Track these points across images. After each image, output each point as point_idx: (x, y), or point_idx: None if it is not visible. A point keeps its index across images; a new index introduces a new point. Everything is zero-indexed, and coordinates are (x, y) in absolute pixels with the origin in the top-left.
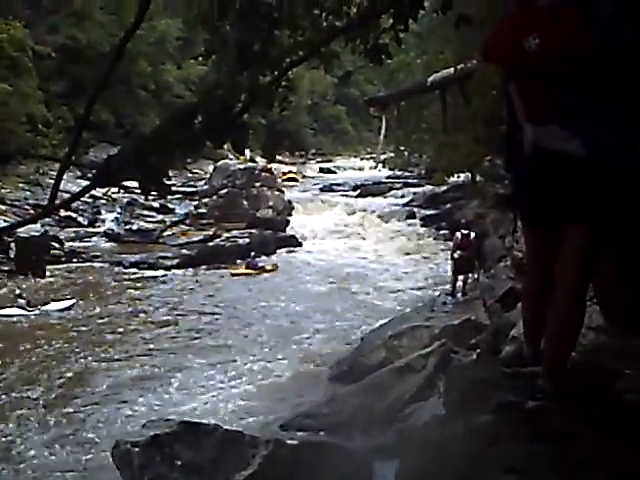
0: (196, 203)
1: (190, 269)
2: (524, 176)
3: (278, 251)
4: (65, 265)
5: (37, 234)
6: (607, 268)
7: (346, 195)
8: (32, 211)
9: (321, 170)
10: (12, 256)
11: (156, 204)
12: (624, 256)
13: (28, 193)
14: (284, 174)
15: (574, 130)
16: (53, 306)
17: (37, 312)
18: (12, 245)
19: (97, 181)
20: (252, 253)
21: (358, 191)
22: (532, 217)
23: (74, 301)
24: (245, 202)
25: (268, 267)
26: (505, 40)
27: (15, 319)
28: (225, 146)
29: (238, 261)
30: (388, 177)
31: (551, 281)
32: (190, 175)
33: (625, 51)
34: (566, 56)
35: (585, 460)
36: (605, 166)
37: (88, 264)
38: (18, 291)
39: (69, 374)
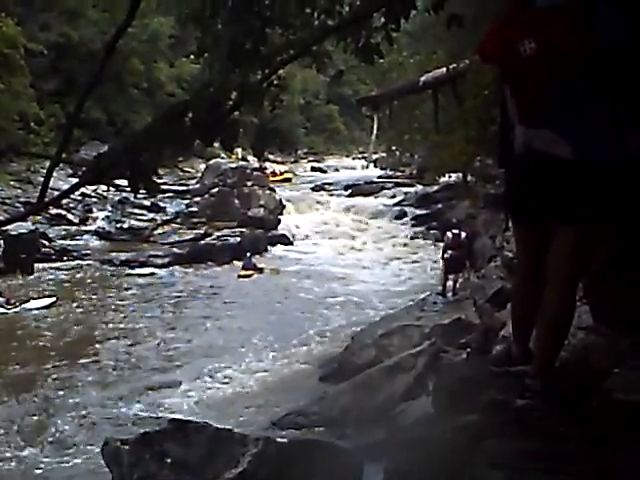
0: (187, 202)
1: (181, 267)
2: (515, 176)
3: (269, 249)
4: (55, 263)
5: (26, 231)
6: (597, 267)
7: (337, 194)
8: (23, 209)
9: (313, 169)
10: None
11: (147, 202)
12: (619, 253)
13: (19, 191)
14: (274, 174)
15: (566, 135)
16: (33, 304)
17: (17, 310)
18: (0, 242)
19: (87, 178)
20: (248, 253)
21: (349, 190)
22: (523, 217)
23: (54, 299)
24: (236, 201)
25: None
26: (501, 41)
27: None
28: (217, 144)
29: (238, 262)
30: (379, 177)
31: (541, 281)
32: (181, 174)
33: (624, 54)
34: (561, 61)
35: (572, 458)
36: (595, 170)
37: (78, 262)
38: None
39: (45, 372)
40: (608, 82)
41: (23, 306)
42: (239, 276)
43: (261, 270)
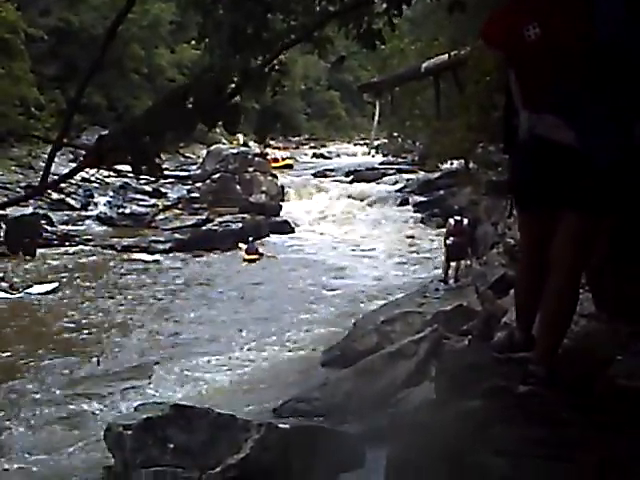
0: (189, 187)
1: (182, 253)
2: (519, 162)
3: (271, 235)
4: (57, 249)
5: (28, 214)
6: (596, 261)
7: (339, 181)
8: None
9: (314, 155)
10: (2, 236)
11: (149, 188)
12: (619, 243)
13: (20, 176)
14: (275, 160)
15: (569, 121)
16: (36, 289)
17: (20, 295)
18: (2, 225)
19: (87, 162)
20: (250, 238)
21: (351, 177)
22: (527, 203)
23: (56, 284)
24: (238, 187)
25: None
26: (505, 26)
27: None
28: (218, 130)
29: (240, 247)
30: (381, 163)
31: (545, 267)
32: (183, 159)
33: (625, 44)
34: (561, 54)
35: (575, 444)
36: (595, 164)
37: (80, 247)
38: (1, 274)
39: (49, 358)
40: (608, 76)
41: (26, 291)
42: (244, 260)
43: (262, 255)
